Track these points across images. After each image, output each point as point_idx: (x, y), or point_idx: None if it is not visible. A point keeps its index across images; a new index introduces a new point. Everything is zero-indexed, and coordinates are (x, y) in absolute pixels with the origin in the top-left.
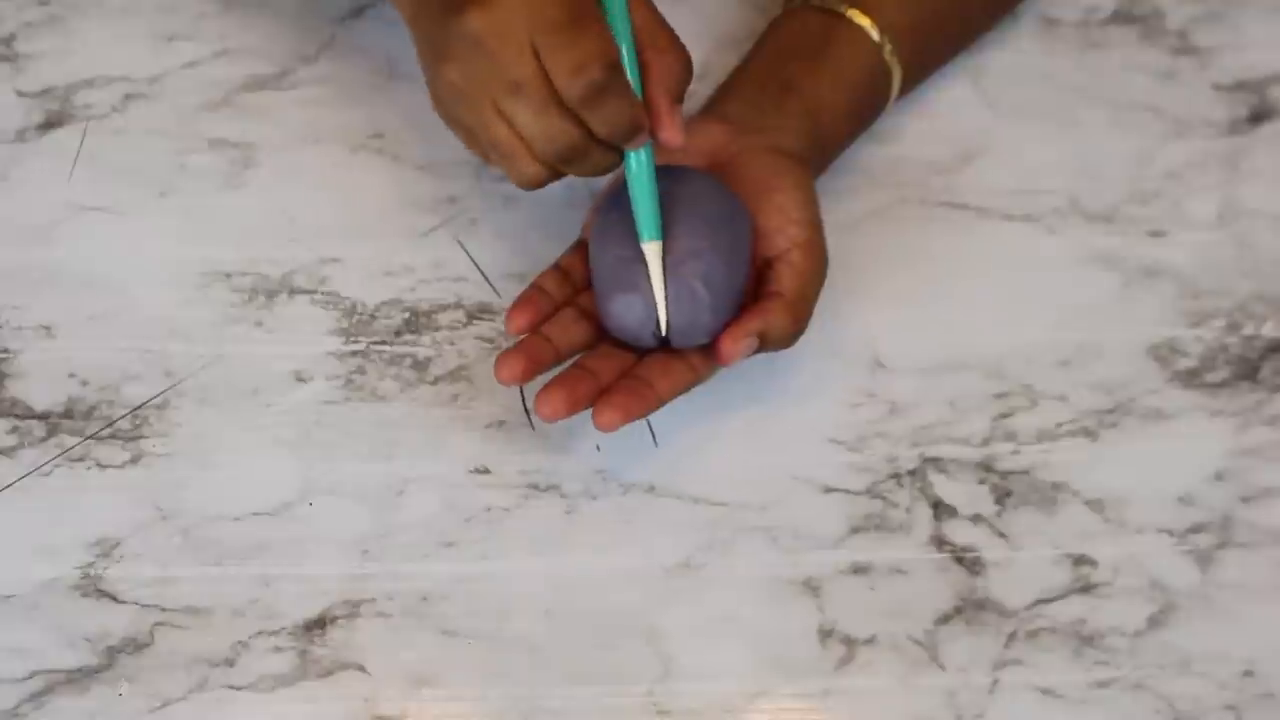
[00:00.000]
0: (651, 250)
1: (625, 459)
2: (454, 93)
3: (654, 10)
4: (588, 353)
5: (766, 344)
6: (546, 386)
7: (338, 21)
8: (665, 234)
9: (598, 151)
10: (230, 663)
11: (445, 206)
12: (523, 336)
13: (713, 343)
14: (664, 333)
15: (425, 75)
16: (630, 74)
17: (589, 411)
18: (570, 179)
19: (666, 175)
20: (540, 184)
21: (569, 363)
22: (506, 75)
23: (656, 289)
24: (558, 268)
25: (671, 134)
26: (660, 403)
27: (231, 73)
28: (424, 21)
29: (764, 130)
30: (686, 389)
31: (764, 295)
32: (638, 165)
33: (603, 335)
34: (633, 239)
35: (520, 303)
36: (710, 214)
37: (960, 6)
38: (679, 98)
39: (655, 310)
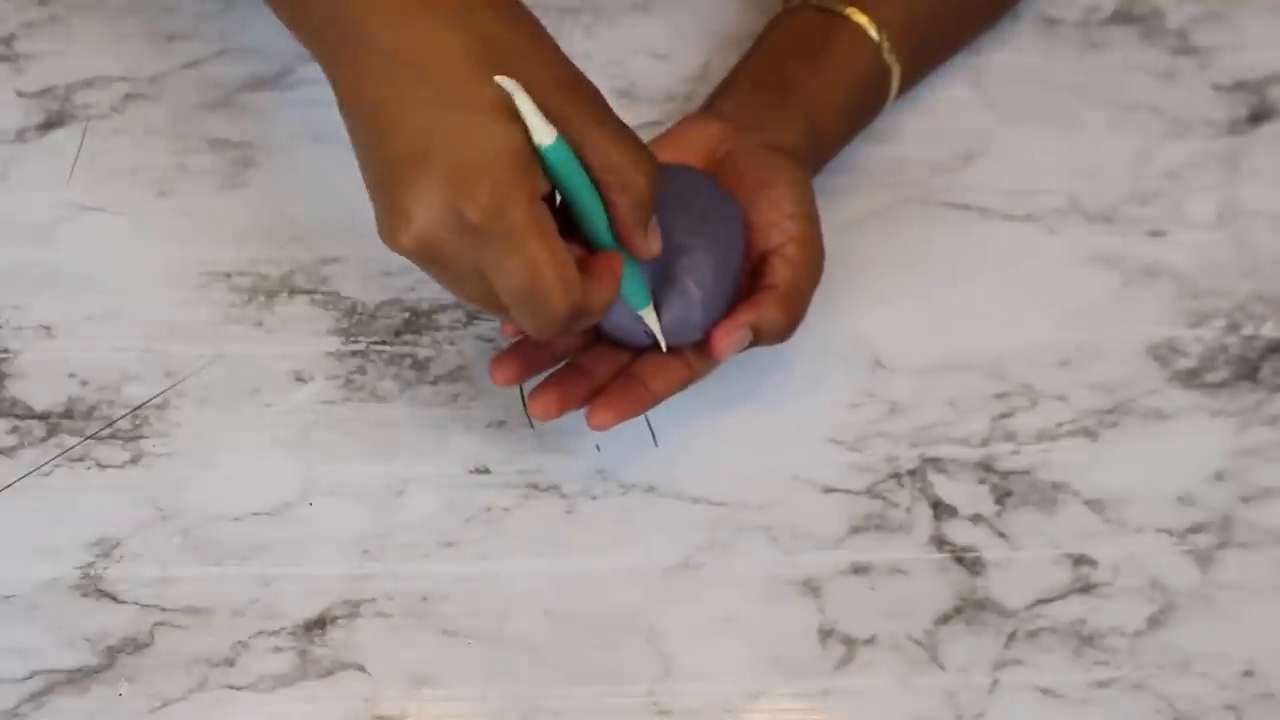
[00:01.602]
0: (649, 314)
1: (625, 459)
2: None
3: (609, 135)
4: (582, 352)
5: (760, 338)
6: (540, 385)
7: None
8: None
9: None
10: (230, 663)
11: None
12: (518, 338)
13: (706, 338)
14: (664, 350)
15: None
16: (592, 210)
17: (579, 410)
18: None
19: (661, 172)
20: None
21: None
22: (461, 290)
23: (657, 334)
24: None
25: (644, 252)
26: (655, 400)
27: (231, 73)
28: (370, 190)
29: (761, 128)
30: (682, 386)
31: (758, 289)
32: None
33: (597, 336)
34: None
35: None
36: (702, 211)
37: (960, 5)
38: (647, 220)
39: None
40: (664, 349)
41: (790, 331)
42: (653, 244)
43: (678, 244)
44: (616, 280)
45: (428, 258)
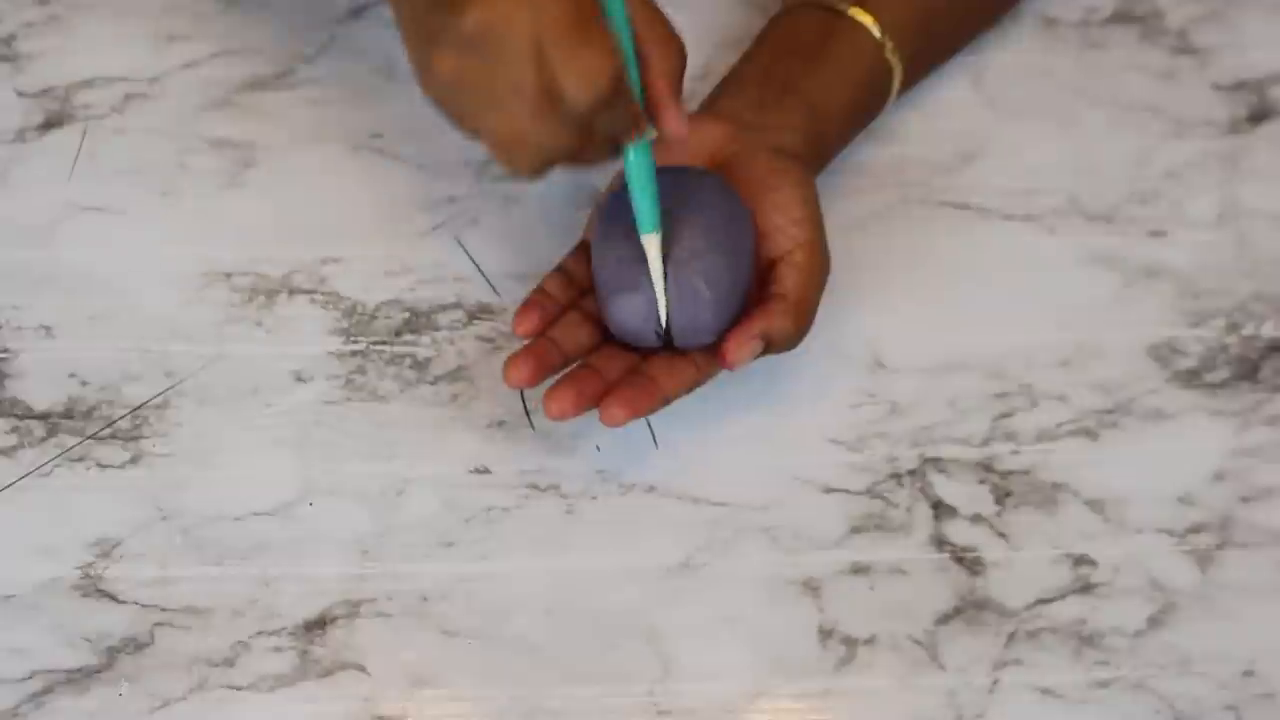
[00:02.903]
0: (651, 243)
1: (625, 459)
2: (447, 84)
3: (649, 1)
4: (592, 353)
5: (771, 346)
6: (555, 386)
7: (338, 21)
8: (668, 234)
9: (595, 149)
10: (230, 663)
11: (445, 206)
12: (529, 340)
13: (717, 344)
14: (664, 325)
15: (412, 59)
16: (630, 68)
17: (590, 411)
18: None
19: (669, 175)
20: (535, 178)
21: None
22: (507, 76)
23: (656, 282)
24: (561, 270)
25: (675, 125)
26: (665, 401)
27: (231, 73)
28: (413, 6)
29: (764, 129)
30: (691, 388)
31: (767, 297)
32: (636, 158)
33: (606, 338)
34: (634, 240)
35: (526, 306)
36: (713, 213)
37: (961, 5)
38: (679, 88)
39: (658, 310)
40: (664, 323)
41: (800, 339)
42: (681, 115)
43: (692, 248)
44: (643, 124)
45: (492, 40)
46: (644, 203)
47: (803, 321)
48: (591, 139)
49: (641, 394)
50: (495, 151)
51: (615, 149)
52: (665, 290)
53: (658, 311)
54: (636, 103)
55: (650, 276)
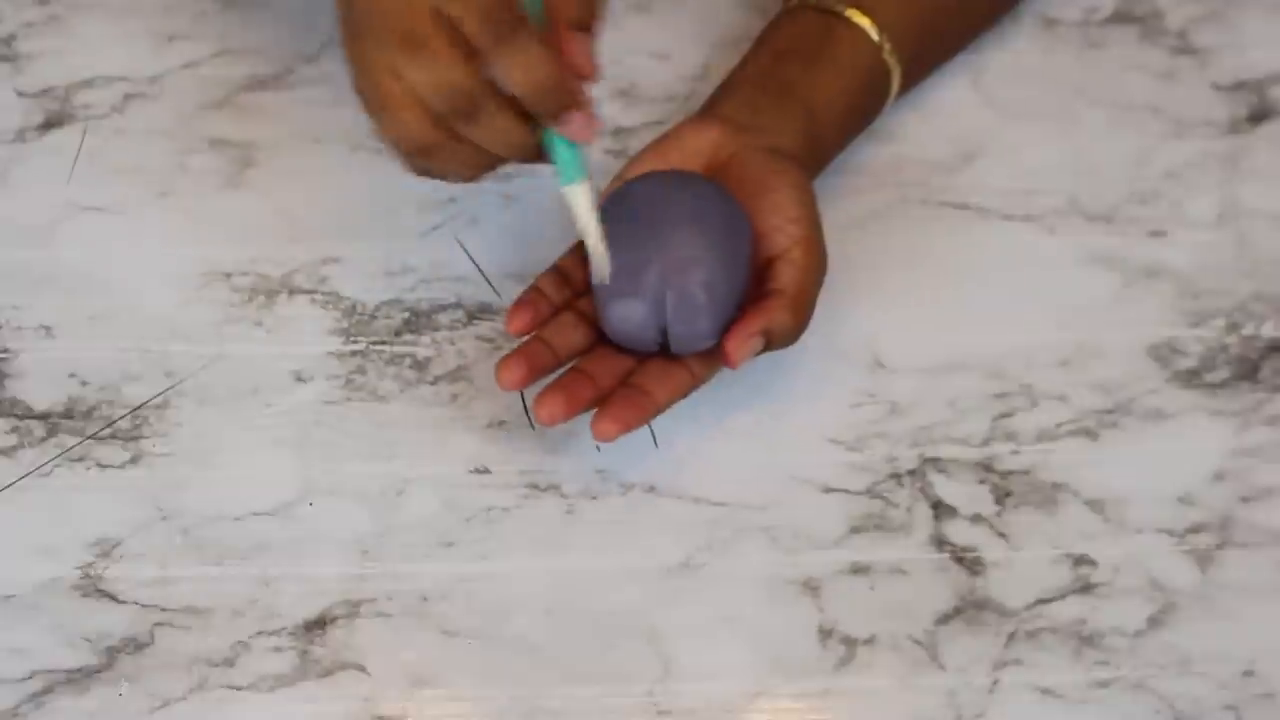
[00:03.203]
0: (576, 194)
1: (625, 459)
2: (356, 63)
3: None
4: (586, 355)
5: (771, 343)
6: (545, 390)
7: (338, 21)
8: (667, 240)
9: (497, 110)
10: (230, 663)
11: (445, 206)
12: (522, 339)
13: (714, 348)
14: (606, 273)
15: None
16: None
17: (589, 412)
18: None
19: (669, 181)
20: (430, 149)
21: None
22: (400, 28)
23: (590, 234)
24: (556, 270)
25: (582, 60)
26: (658, 410)
27: (231, 73)
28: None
29: (761, 130)
30: (685, 394)
31: (765, 294)
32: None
33: (601, 338)
34: (633, 245)
35: (520, 305)
36: (712, 220)
37: (960, 6)
38: (585, 26)
39: (655, 316)
40: (606, 274)
41: (799, 334)
42: (584, 49)
43: (691, 255)
44: (568, 97)
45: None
46: (565, 151)
47: (801, 316)
48: (492, 95)
49: (633, 407)
50: (387, 126)
51: (527, 121)
52: (600, 236)
53: (656, 320)
54: (553, 56)
55: (650, 283)
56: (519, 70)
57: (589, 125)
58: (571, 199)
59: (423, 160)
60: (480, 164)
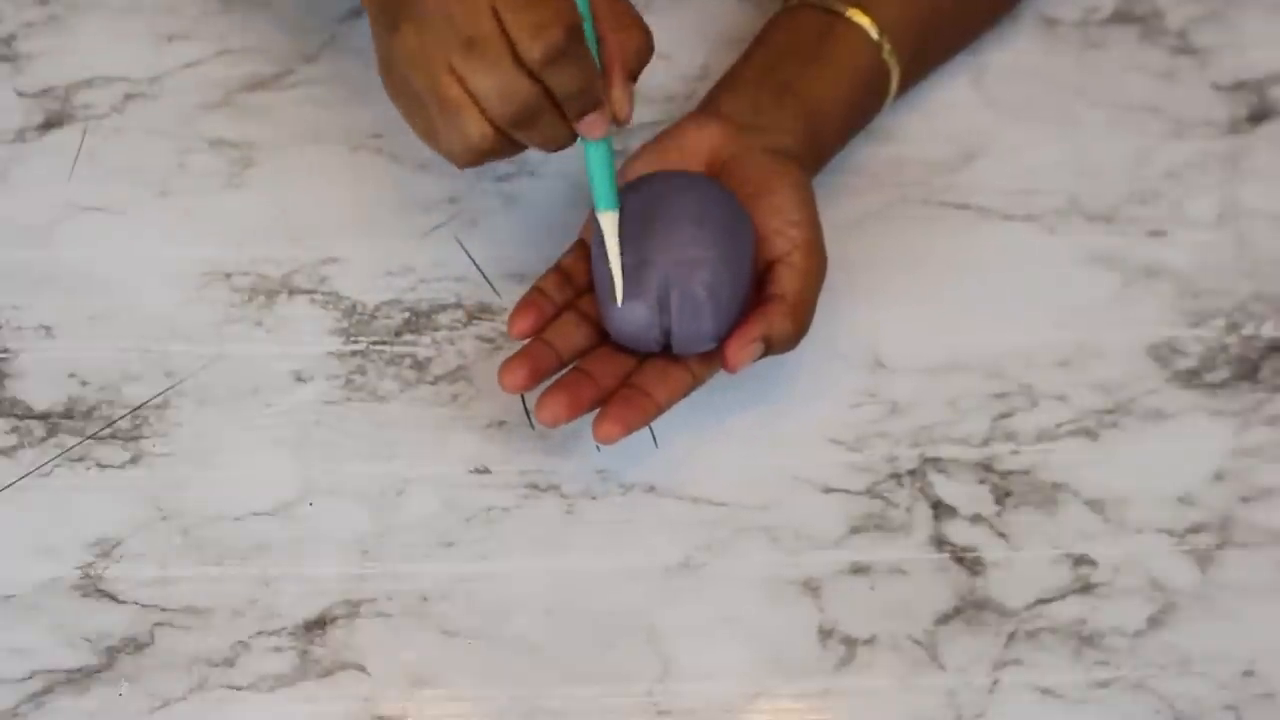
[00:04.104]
0: (608, 220)
1: (625, 459)
2: (407, 55)
3: None
4: (588, 356)
5: (771, 348)
6: (547, 392)
7: (338, 21)
8: (671, 241)
9: (551, 117)
10: (230, 663)
11: (445, 206)
12: (525, 341)
13: (715, 349)
14: (619, 304)
15: (376, 44)
16: (590, 45)
17: (589, 413)
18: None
19: (672, 181)
20: (485, 152)
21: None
22: (463, 32)
23: (613, 261)
24: (558, 270)
25: (620, 106)
26: (659, 411)
27: (231, 73)
28: None
29: (761, 130)
30: (685, 395)
31: (766, 298)
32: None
33: (603, 337)
34: (635, 244)
35: (522, 307)
36: (716, 222)
37: (960, 6)
38: (634, 75)
39: (658, 316)
40: (619, 302)
41: (799, 339)
42: (627, 96)
43: (693, 256)
44: (602, 108)
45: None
46: (602, 182)
47: (801, 322)
48: (547, 104)
49: (634, 409)
50: (449, 125)
51: (570, 128)
52: (621, 267)
53: (659, 320)
54: (596, 71)
55: (652, 283)
56: (564, 88)
57: (601, 124)
58: (603, 224)
59: (471, 158)
60: (517, 152)
